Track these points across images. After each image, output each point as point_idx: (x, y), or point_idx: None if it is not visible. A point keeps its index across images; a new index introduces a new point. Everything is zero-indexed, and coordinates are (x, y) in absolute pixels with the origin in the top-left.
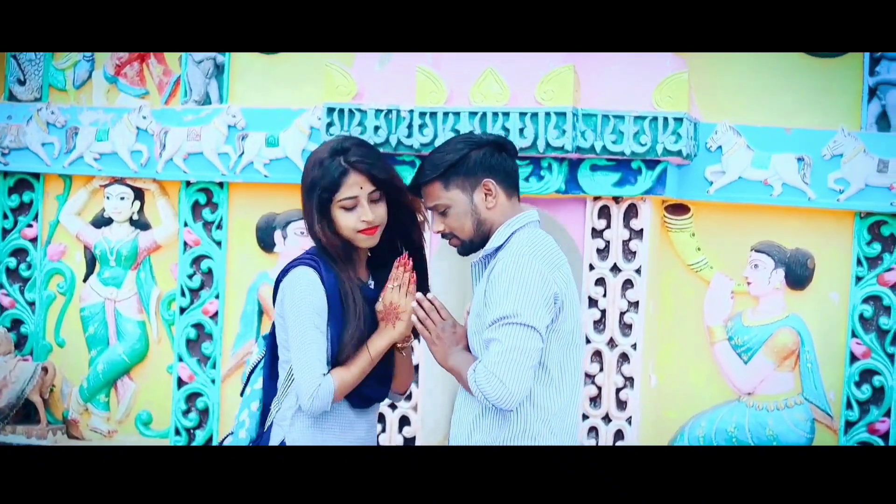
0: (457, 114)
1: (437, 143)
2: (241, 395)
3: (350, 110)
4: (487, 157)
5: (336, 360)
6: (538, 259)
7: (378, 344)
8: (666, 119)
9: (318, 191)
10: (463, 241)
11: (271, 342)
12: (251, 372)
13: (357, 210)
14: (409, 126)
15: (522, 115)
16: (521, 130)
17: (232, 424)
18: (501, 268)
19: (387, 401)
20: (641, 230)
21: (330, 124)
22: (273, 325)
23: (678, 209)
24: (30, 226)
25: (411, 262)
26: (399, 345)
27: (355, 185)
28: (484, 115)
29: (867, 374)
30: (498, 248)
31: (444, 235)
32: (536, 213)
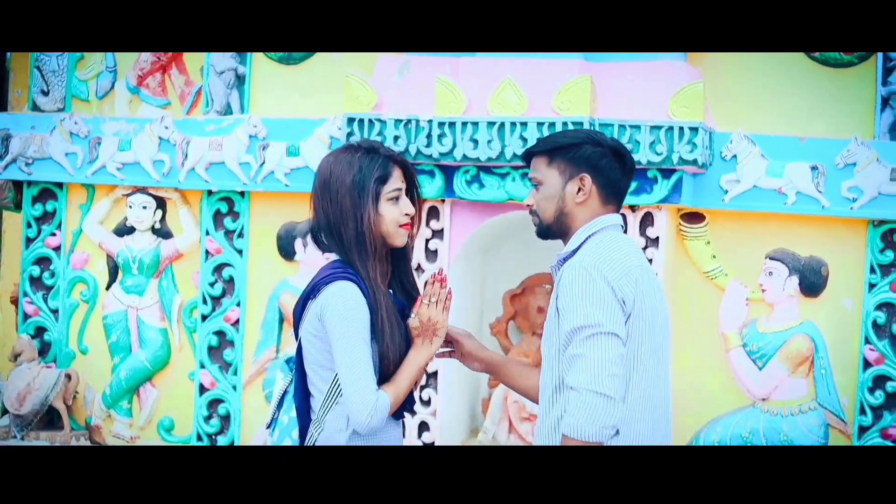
0: (475, 123)
1: (456, 152)
2: (268, 426)
3: (370, 120)
4: (598, 157)
5: (382, 374)
6: (604, 263)
7: (419, 359)
8: (681, 129)
9: (373, 183)
10: (541, 222)
11: (299, 364)
12: (282, 399)
13: (399, 203)
14: (429, 136)
15: (540, 124)
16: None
17: (256, 433)
18: (568, 277)
19: None
20: (657, 238)
21: (350, 134)
22: (299, 349)
23: (694, 217)
24: (53, 235)
25: (447, 279)
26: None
27: (398, 179)
28: (502, 124)
29: (880, 380)
30: (574, 252)
31: (531, 211)
32: (619, 218)
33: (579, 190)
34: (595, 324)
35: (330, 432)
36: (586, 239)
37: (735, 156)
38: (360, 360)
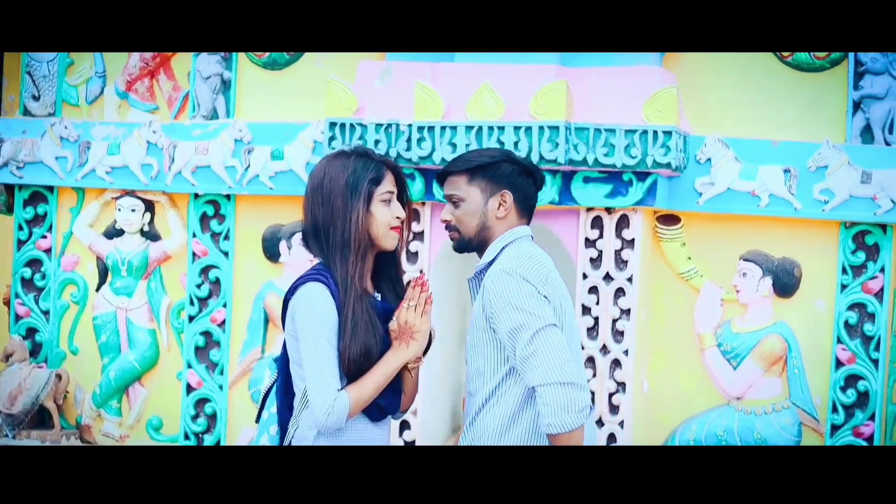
0: (454, 128)
1: (435, 156)
2: (257, 420)
3: (351, 125)
4: (515, 175)
5: (346, 374)
6: (523, 268)
7: (392, 362)
8: (655, 132)
9: (367, 183)
10: (462, 236)
11: (283, 363)
12: (265, 395)
13: (391, 206)
14: (409, 140)
15: (517, 128)
16: (516, 144)
17: (242, 431)
18: (493, 284)
19: None
20: (633, 240)
21: (332, 138)
22: (284, 347)
23: (669, 219)
24: (44, 237)
25: (428, 283)
26: (409, 364)
27: (391, 182)
28: (480, 129)
29: (852, 380)
30: (490, 264)
31: (448, 227)
32: (528, 230)
33: (500, 205)
34: (534, 319)
35: (303, 430)
36: (501, 250)
37: (709, 159)
38: (323, 359)
